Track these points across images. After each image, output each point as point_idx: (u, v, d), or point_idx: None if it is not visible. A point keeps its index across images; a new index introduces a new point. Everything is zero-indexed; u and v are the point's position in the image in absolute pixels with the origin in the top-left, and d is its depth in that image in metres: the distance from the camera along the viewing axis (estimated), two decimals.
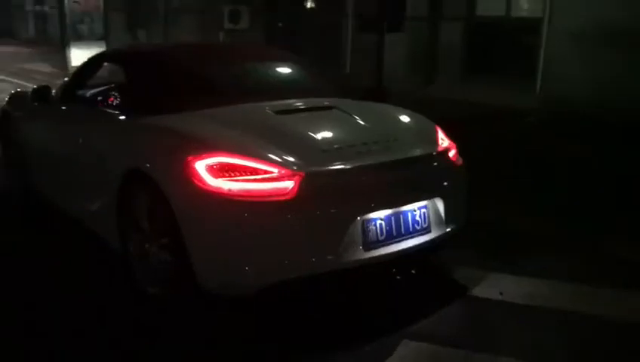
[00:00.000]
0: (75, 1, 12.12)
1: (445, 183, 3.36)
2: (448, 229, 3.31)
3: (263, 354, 2.88)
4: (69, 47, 12.07)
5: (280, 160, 2.88)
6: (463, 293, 3.44)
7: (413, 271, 3.38)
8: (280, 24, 14.34)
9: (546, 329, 3.10)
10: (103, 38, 12.54)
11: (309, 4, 13.75)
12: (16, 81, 11.98)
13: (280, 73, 4.29)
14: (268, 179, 2.82)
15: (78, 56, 12.05)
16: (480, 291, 3.45)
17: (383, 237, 3.00)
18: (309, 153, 2.98)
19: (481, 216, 4.29)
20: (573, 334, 3.06)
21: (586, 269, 3.74)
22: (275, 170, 2.84)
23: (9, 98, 5.24)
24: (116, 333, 3.02)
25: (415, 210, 3.14)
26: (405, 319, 3.12)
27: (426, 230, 3.19)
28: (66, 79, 4.63)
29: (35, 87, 4.53)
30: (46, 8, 21.23)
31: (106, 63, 4.31)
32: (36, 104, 4.38)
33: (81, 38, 12.25)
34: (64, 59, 12.58)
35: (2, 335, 3.00)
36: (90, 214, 3.77)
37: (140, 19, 17.17)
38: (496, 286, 3.48)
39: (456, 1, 10.27)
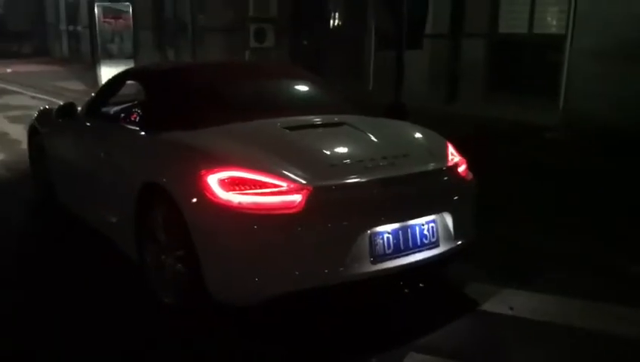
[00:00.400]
0: (105, 21, 12.45)
1: (454, 198, 3.40)
2: (457, 244, 3.35)
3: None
4: (99, 65, 12.40)
5: (288, 174, 2.97)
6: (472, 308, 3.46)
7: (421, 285, 3.42)
8: (305, 42, 14.56)
9: (555, 344, 3.10)
10: (132, 56, 12.83)
11: (333, 22, 13.94)
12: (47, 98, 12.37)
13: (293, 90, 4.40)
14: (276, 192, 2.91)
15: (108, 74, 12.39)
16: (490, 306, 3.47)
17: (390, 251, 3.06)
18: (317, 167, 3.06)
19: (493, 231, 4.32)
20: (582, 350, 3.06)
21: (598, 286, 3.73)
22: (283, 184, 2.92)
23: (37, 114, 5.46)
24: (127, 340, 3.12)
25: (423, 225, 3.19)
26: (412, 332, 3.16)
27: (434, 244, 3.23)
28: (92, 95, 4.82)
29: (60, 103, 4.73)
30: (79, 28, 21.82)
31: (128, 81, 4.46)
32: (61, 120, 4.57)
33: (112, 57, 12.56)
34: (95, 77, 12.93)
35: (22, 337, 3.14)
36: (110, 226, 3.91)
37: (169, 38, 17.58)
38: (506, 302, 3.49)
39: (478, 19, 10.31)
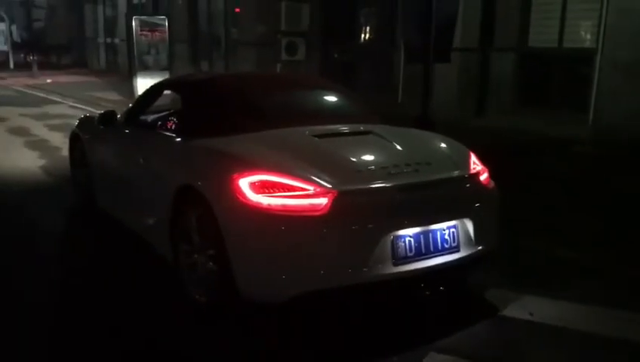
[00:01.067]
0: (142, 34, 12.86)
1: (475, 205, 3.50)
2: (478, 249, 3.45)
3: (286, 359, 3.09)
4: (135, 76, 12.80)
5: (315, 178, 3.12)
6: (492, 312, 3.55)
7: (442, 288, 3.52)
8: (335, 55, 14.79)
9: (572, 349, 3.18)
10: (167, 68, 13.21)
11: (363, 36, 14.14)
12: (86, 108, 12.81)
13: (321, 100, 4.57)
14: (304, 195, 3.07)
15: (144, 85, 12.78)
16: (509, 311, 3.55)
17: (411, 254, 3.18)
18: (342, 173, 3.22)
19: (516, 240, 4.41)
20: (595, 355, 3.13)
21: (617, 294, 3.78)
22: (310, 188, 3.08)
23: (79, 122, 5.74)
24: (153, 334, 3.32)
25: (444, 230, 3.30)
26: (433, 333, 3.27)
27: (455, 249, 3.34)
28: (130, 105, 5.06)
29: (102, 111, 4.98)
30: (116, 40, 22.48)
31: (165, 91, 4.69)
32: (102, 127, 4.82)
33: (148, 68, 12.95)
34: (131, 88, 13.35)
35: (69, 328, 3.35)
36: (147, 228, 4.11)
37: (203, 52, 18.02)
38: (526, 308, 3.57)
39: (508, 33, 10.37)
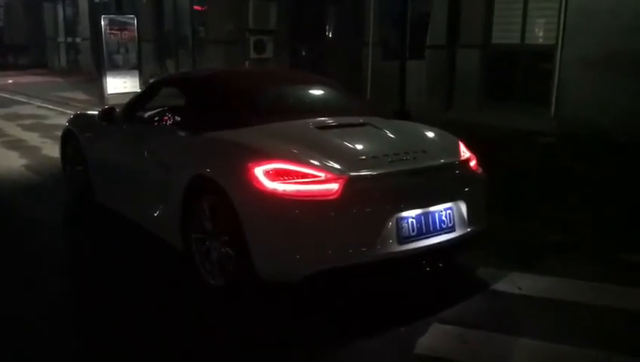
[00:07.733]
0: (112, 33, 12.81)
1: (467, 189, 3.82)
2: (470, 229, 3.77)
3: (305, 331, 3.35)
4: (105, 75, 12.72)
5: (326, 166, 3.39)
6: (485, 287, 3.88)
7: (440, 265, 3.82)
8: (303, 53, 15.04)
9: (555, 315, 3.53)
10: (137, 67, 13.17)
11: (330, 34, 14.43)
12: (55, 108, 12.72)
13: (320, 95, 4.82)
14: (316, 182, 3.32)
15: (114, 84, 12.75)
16: (500, 286, 3.89)
17: (414, 233, 3.48)
18: (349, 160, 3.48)
19: (497, 223, 4.73)
20: (578, 319, 3.48)
21: (594, 270, 4.15)
22: (322, 175, 3.34)
23: (71, 119, 5.82)
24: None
25: (441, 211, 3.61)
26: (434, 306, 3.57)
27: (451, 229, 3.65)
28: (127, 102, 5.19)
29: (102, 108, 5.11)
30: (78, 40, 22.17)
31: (169, 88, 4.87)
32: (104, 123, 4.95)
33: (117, 67, 12.89)
34: (98, 88, 13.26)
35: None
36: (154, 218, 4.27)
37: (170, 50, 17.99)
38: (514, 283, 3.90)
39: (473, 30, 10.81)
